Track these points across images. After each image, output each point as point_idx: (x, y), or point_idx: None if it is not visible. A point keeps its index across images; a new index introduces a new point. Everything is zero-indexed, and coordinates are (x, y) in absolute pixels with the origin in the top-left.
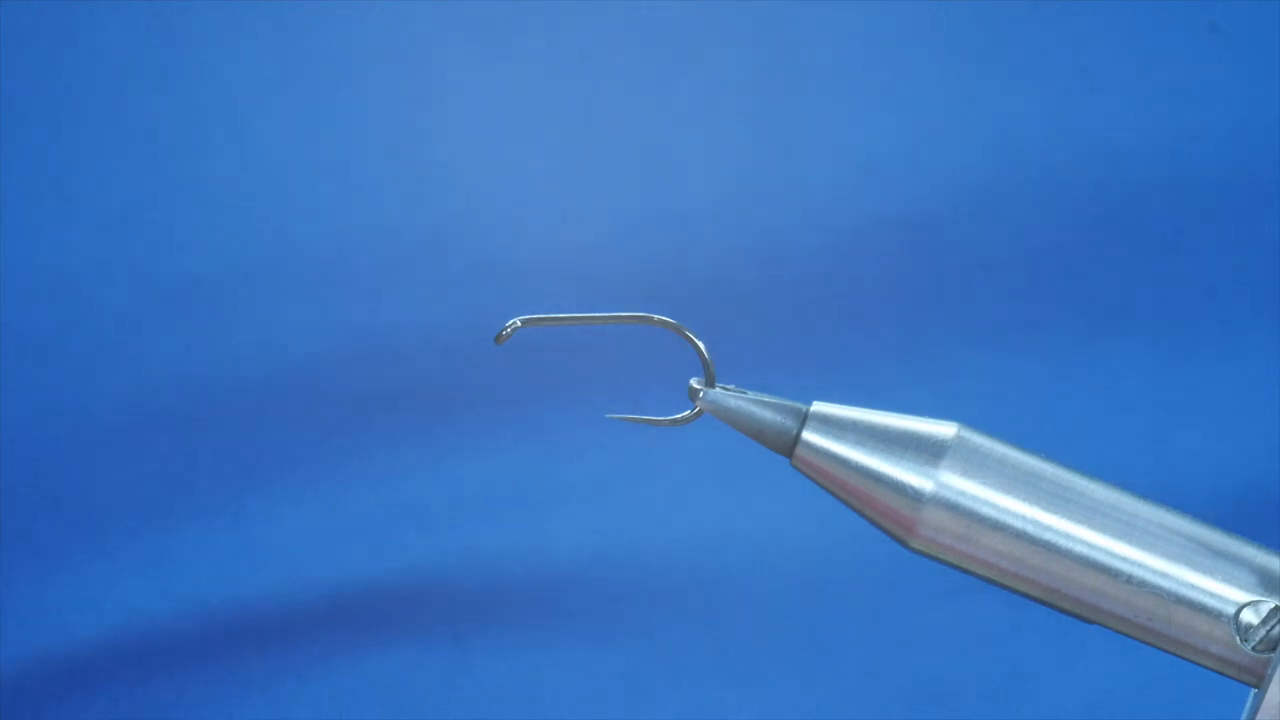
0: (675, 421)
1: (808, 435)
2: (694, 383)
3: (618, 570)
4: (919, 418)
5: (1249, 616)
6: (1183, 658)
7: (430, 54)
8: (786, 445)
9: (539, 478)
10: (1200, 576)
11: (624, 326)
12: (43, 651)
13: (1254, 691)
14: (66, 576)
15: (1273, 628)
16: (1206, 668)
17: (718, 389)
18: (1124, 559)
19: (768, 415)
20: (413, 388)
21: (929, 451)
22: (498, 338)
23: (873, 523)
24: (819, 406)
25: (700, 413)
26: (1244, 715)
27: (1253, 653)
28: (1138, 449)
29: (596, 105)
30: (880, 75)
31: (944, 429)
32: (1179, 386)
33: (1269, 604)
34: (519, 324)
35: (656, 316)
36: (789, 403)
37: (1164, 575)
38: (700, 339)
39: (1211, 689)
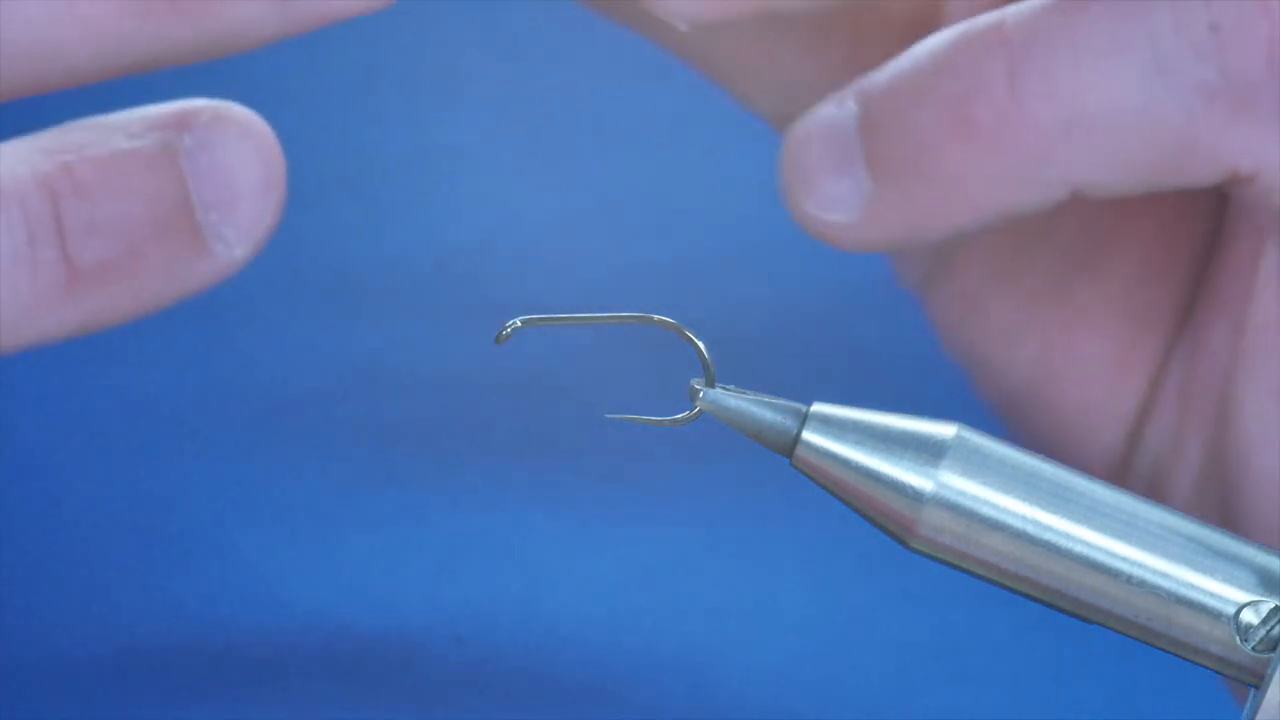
0: (675, 422)
1: (808, 435)
2: (694, 383)
3: (615, 633)
4: (919, 418)
5: (1249, 616)
6: (1183, 658)
7: (452, 82)
8: (786, 445)
9: (543, 528)
10: (1200, 576)
11: (624, 327)
12: (28, 669)
13: (1254, 691)
14: (54, 594)
15: (1273, 628)
16: (1206, 668)
17: (718, 389)
18: (1124, 559)
19: (768, 415)
20: (419, 422)
21: (929, 452)
22: (498, 338)
23: (873, 523)
24: (819, 407)
25: (700, 413)
26: (1244, 715)
27: (1253, 653)
28: None
29: (615, 144)
30: None
31: (944, 429)
32: None
33: (1269, 604)
34: (519, 324)
35: (656, 316)
36: (789, 403)
37: (1164, 575)
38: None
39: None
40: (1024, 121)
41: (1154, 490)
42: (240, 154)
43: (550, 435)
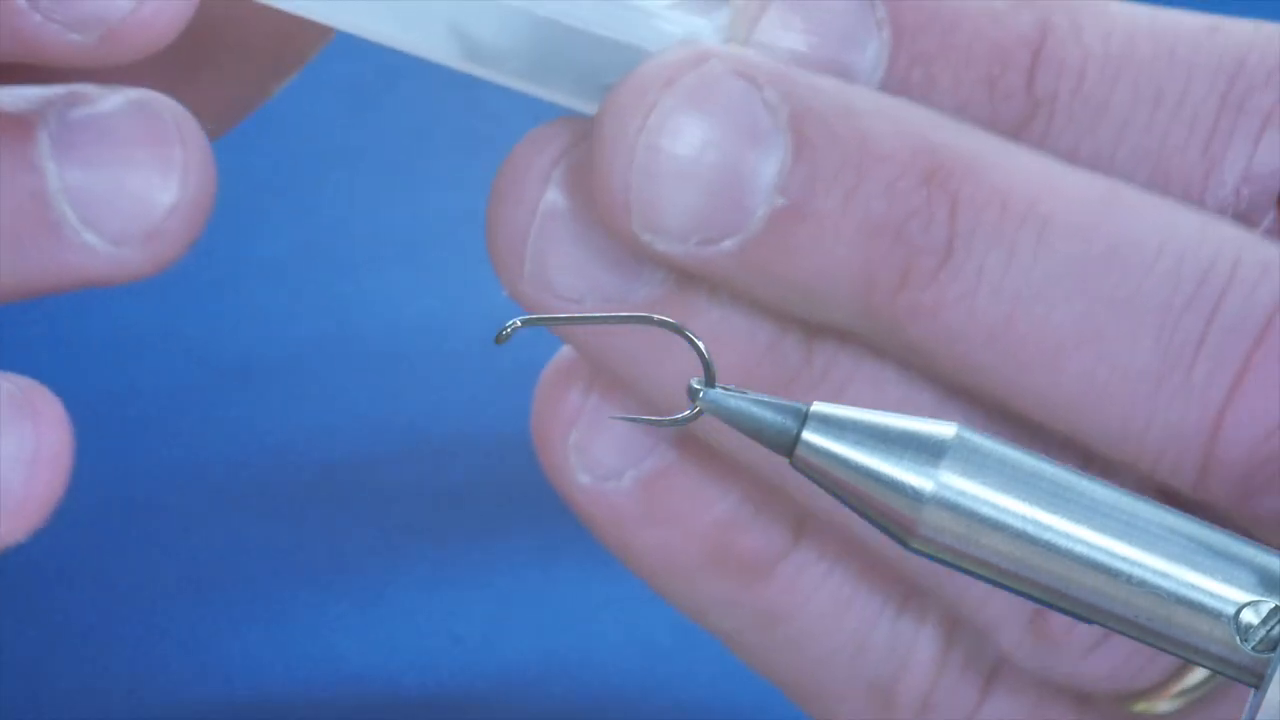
0: (675, 422)
1: (808, 435)
2: (694, 383)
3: (671, 693)
4: (919, 418)
5: (1249, 616)
6: (1183, 658)
7: (499, 144)
8: (786, 445)
9: (596, 589)
10: (1200, 576)
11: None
12: None
13: (1254, 691)
14: (101, 659)
15: (1273, 628)
16: (1206, 668)
17: (718, 389)
18: (1124, 559)
19: (768, 415)
20: (465, 485)
21: (929, 451)
22: (498, 338)
23: (872, 523)
24: (819, 406)
25: (700, 413)
26: (1244, 715)
27: (1253, 653)
28: None
29: None
30: None
31: (944, 429)
32: None
33: (1269, 604)
34: (519, 324)
35: (656, 316)
36: (789, 403)
37: (1164, 575)
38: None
39: None
40: None
41: None
42: None
43: None
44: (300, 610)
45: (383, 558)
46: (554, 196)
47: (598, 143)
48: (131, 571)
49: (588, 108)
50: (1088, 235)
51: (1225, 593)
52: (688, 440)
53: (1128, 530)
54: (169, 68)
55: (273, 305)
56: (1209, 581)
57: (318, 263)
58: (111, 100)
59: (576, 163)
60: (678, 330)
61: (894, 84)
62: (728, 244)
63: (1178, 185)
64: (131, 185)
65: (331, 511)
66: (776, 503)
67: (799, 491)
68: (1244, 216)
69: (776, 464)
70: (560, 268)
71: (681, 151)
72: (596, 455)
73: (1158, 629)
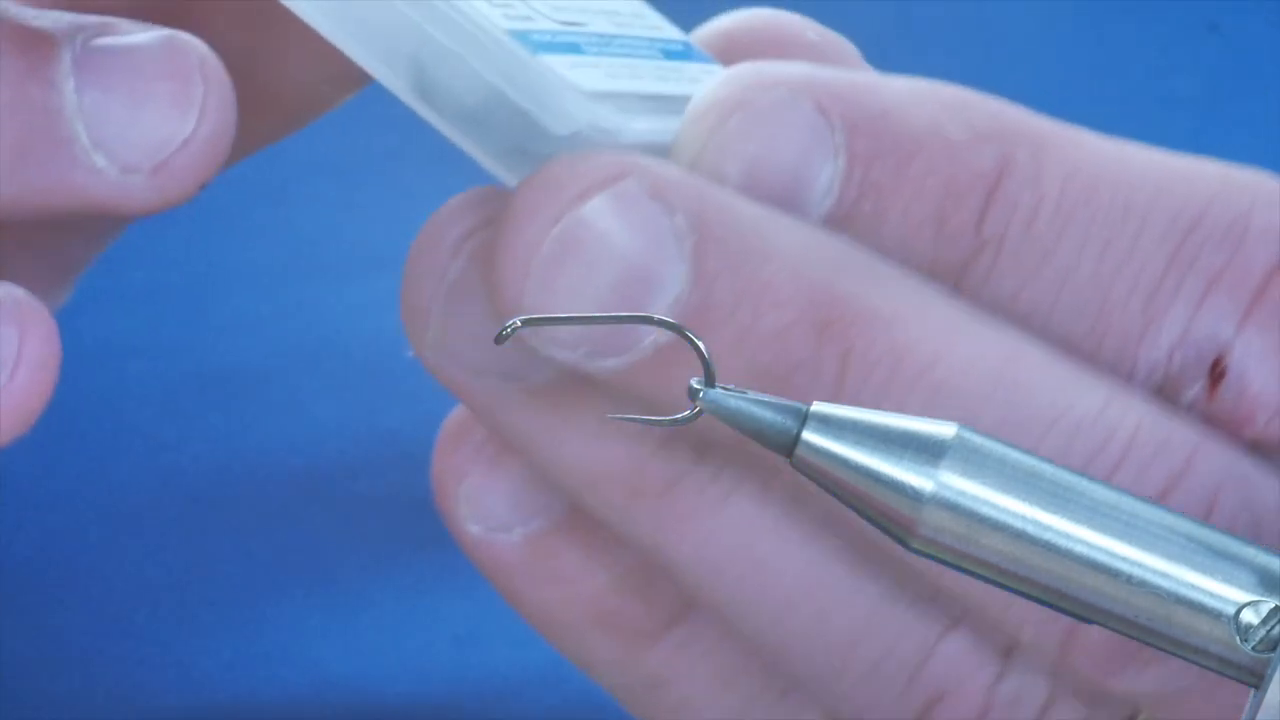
0: (675, 422)
1: (808, 435)
2: (694, 383)
3: None
4: (919, 418)
5: (1249, 616)
6: (1183, 658)
7: None
8: (786, 445)
9: None
10: (1200, 576)
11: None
12: None
13: (1254, 691)
14: (81, 666)
15: (1273, 628)
16: (1206, 668)
17: (718, 389)
18: (1124, 559)
19: (768, 415)
20: None
21: (929, 451)
22: (498, 338)
23: (872, 523)
24: (819, 406)
25: (700, 413)
26: (1244, 715)
27: (1253, 653)
28: None
29: None
30: None
31: (944, 429)
32: None
33: (1269, 604)
34: (519, 324)
35: (656, 316)
36: (789, 403)
37: (1164, 575)
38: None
39: None
40: None
41: None
42: None
43: None
44: (283, 618)
45: (365, 566)
46: (462, 269)
47: (499, 236)
48: (113, 578)
49: (511, 180)
50: (977, 406)
51: (1225, 593)
52: (580, 507)
53: (1128, 530)
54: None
55: (254, 314)
56: (1209, 581)
57: (299, 272)
58: (140, 34)
59: (487, 240)
60: (678, 330)
61: (842, 213)
62: (613, 362)
63: (1115, 340)
64: (147, 115)
65: (314, 519)
66: (664, 578)
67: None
68: (1174, 380)
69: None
70: (463, 339)
71: (576, 267)
72: (488, 506)
73: (1157, 629)
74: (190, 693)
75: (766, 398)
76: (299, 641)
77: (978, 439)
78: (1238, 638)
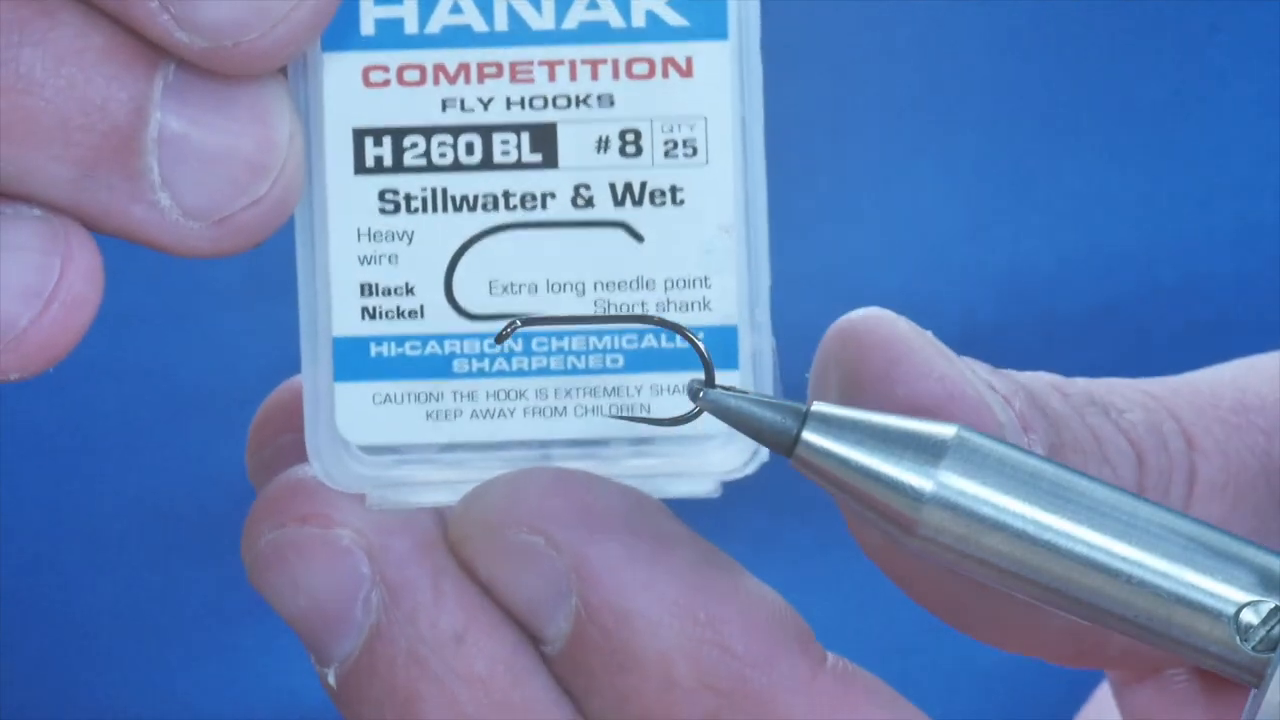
0: (675, 421)
1: (808, 435)
2: (694, 382)
3: None
4: (919, 419)
5: (1249, 616)
6: (1183, 657)
7: None
8: (786, 445)
9: None
10: (1200, 576)
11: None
12: None
13: (1254, 691)
14: (58, 688)
15: (1273, 628)
16: (1206, 668)
17: (718, 388)
18: (1124, 559)
19: (767, 415)
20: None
21: (929, 451)
22: (498, 338)
23: (872, 523)
24: (819, 406)
25: (700, 412)
26: (1244, 715)
27: (1253, 653)
28: None
29: None
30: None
31: (944, 429)
32: None
33: (1269, 604)
34: (519, 324)
35: (656, 316)
36: (789, 402)
37: (1164, 575)
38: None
39: None
40: None
41: None
42: None
43: None
44: (257, 640)
45: None
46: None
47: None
48: (86, 600)
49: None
50: None
51: (1225, 593)
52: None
53: (1128, 530)
54: None
55: (228, 335)
56: (1209, 581)
57: (271, 295)
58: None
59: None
60: (678, 330)
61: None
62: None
63: None
64: (226, 163)
65: None
66: None
67: None
68: None
69: None
70: (283, 586)
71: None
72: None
73: (1158, 629)
74: (165, 714)
75: (766, 397)
76: (274, 663)
77: (978, 439)
78: (1238, 638)
